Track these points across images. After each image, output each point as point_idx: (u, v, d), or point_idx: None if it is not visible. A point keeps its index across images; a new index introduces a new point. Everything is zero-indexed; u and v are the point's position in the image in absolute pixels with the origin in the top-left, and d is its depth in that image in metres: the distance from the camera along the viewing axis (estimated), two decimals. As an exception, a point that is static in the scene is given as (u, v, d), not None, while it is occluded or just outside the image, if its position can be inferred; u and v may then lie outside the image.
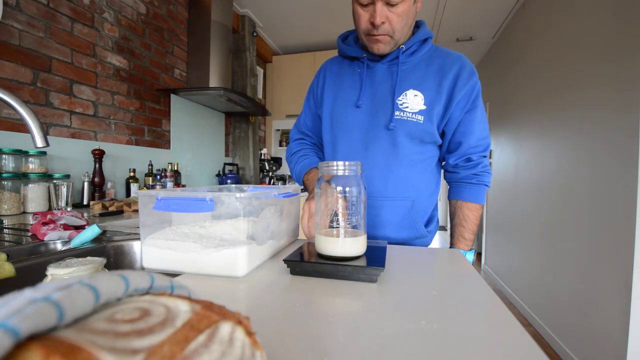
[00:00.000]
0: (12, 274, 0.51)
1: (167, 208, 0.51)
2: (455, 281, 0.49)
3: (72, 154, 1.50)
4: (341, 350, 0.29)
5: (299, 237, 0.79)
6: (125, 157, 1.80)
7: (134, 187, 1.73)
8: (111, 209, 1.25)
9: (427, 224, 0.89)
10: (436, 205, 0.93)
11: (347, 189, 0.54)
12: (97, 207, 1.26)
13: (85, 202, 1.47)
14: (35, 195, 1.21)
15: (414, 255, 0.64)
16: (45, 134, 0.69)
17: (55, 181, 1.17)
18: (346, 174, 0.54)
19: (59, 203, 1.15)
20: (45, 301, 0.13)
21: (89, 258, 0.49)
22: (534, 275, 2.34)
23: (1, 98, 0.65)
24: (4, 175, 1.11)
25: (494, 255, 3.33)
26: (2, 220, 0.99)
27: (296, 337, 0.31)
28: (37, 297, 0.13)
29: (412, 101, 0.80)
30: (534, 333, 2.23)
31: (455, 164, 0.86)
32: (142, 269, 0.55)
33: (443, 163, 0.92)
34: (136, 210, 1.26)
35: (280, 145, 3.62)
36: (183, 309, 0.18)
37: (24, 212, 1.19)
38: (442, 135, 0.85)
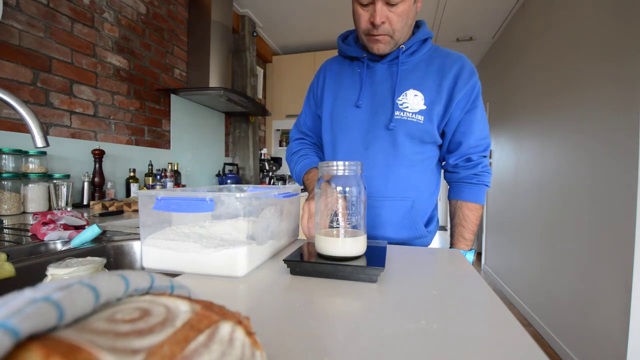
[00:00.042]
0: (12, 274, 0.51)
1: (167, 208, 0.51)
2: (455, 281, 0.49)
3: (72, 154, 1.50)
4: (341, 350, 0.29)
5: (299, 237, 0.79)
6: (125, 157, 1.80)
7: (134, 187, 1.73)
8: (111, 209, 1.25)
9: (427, 224, 0.89)
10: (436, 205, 0.93)
11: (347, 189, 0.54)
12: (97, 207, 1.26)
13: (85, 202, 1.47)
14: (35, 195, 1.21)
15: (414, 255, 0.64)
16: (45, 134, 0.69)
17: (55, 181, 1.17)
18: (346, 174, 0.54)
19: (59, 203, 1.15)
20: (45, 301, 0.13)
21: (89, 258, 0.49)
22: (534, 275, 2.34)
23: (1, 98, 0.65)
24: (4, 175, 1.11)
25: (494, 255, 3.33)
26: (2, 220, 0.99)
27: (296, 337, 0.31)
28: (37, 297, 0.13)
29: (412, 101, 0.80)
30: (534, 333, 2.23)
31: (455, 164, 0.86)
32: (142, 269, 0.55)
33: (443, 163, 0.92)
34: (136, 210, 1.26)
35: (280, 145, 3.62)
36: (183, 309, 0.18)
37: (24, 212, 1.19)
38: (442, 135, 0.85)
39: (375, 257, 0.53)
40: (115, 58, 1.75)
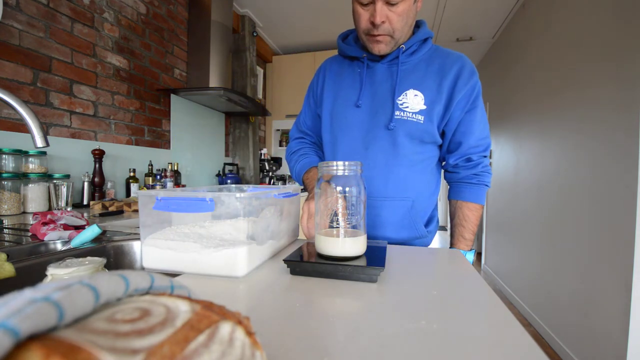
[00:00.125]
0: (12, 274, 0.51)
1: (167, 208, 0.51)
2: (455, 281, 0.49)
3: (72, 154, 1.50)
4: (341, 350, 0.29)
5: (299, 237, 0.79)
6: (125, 157, 1.80)
7: (134, 187, 1.73)
8: (111, 209, 1.25)
9: (427, 224, 0.89)
10: (436, 205, 0.93)
11: (347, 189, 0.54)
12: (97, 207, 1.26)
13: (85, 202, 1.47)
14: (35, 195, 1.21)
15: (414, 255, 0.64)
16: (45, 134, 0.69)
17: (55, 181, 1.17)
18: (346, 174, 0.54)
19: (59, 203, 1.15)
20: (45, 301, 0.13)
21: (89, 258, 0.49)
22: (534, 275, 2.34)
23: (1, 98, 0.65)
24: (4, 175, 1.11)
25: (494, 255, 3.33)
26: (2, 220, 0.99)
27: (296, 337, 0.31)
28: (37, 297, 0.13)
29: (412, 101, 0.80)
30: (534, 333, 2.23)
31: (456, 164, 0.86)
32: (142, 269, 0.55)
33: (443, 163, 0.92)
34: (136, 210, 1.26)
35: (280, 145, 3.62)
36: (183, 309, 0.18)
37: (24, 212, 1.19)
38: (442, 135, 0.85)
39: (375, 257, 0.53)
40: (115, 58, 1.75)
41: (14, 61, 1.29)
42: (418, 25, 0.86)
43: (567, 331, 1.88)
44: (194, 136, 2.44)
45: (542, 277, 2.21)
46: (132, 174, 1.75)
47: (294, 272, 0.51)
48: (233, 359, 0.16)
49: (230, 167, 2.84)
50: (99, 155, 1.52)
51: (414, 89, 0.80)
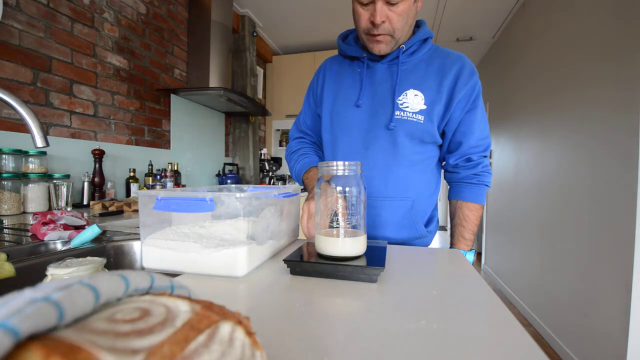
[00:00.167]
0: (12, 274, 0.51)
1: (167, 208, 0.51)
2: (455, 281, 0.49)
3: (72, 154, 1.50)
4: (341, 350, 0.29)
5: (299, 237, 0.79)
6: (125, 157, 1.80)
7: (134, 187, 1.73)
8: (111, 209, 1.25)
9: (427, 224, 0.89)
10: (436, 205, 0.93)
11: (347, 189, 0.54)
12: (97, 207, 1.26)
13: (85, 202, 1.47)
14: (35, 195, 1.21)
15: (414, 255, 0.64)
16: (45, 134, 0.69)
17: (55, 181, 1.17)
18: (346, 174, 0.54)
19: (59, 203, 1.15)
20: (45, 301, 0.13)
21: (89, 258, 0.49)
22: (534, 275, 2.34)
23: (1, 98, 0.65)
24: (4, 175, 1.11)
25: (494, 255, 3.33)
26: (2, 220, 0.99)
27: (296, 337, 0.31)
28: (37, 297, 0.13)
29: (413, 101, 0.80)
30: (534, 333, 2.23)
31: (456, 164, 0.86)
32: (142, 269, 0.55)
33: (443, 163, 0.92)
34: (136, 210, 1.26)
35: (280, 145, 3.62)
36: (183, 309, 0.18)
37: (24, 212, 1.19)
38: (442, 135, 0.85)
39: (375, 257, 0.53)
40: (115, 58, 1.75)
41: (14, 61, 1.29)
42: (418, 25, 0.86)
43: (567, 331, 1.88)
44: (194, 136, 2.44)
45: (542, 277, 2.21)
46: (132, 174, 1.75)
47: (294, 272, 0.51)
48: (233, 359, 0.16)
49: (230, 167, 2.84)
50: (99, 155, 1.52)
51: (414, 89, 0.80)
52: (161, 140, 2.11)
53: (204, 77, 2.29)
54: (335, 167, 0.54)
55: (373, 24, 0.75)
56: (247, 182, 2.99)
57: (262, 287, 0.45)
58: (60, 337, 0.13)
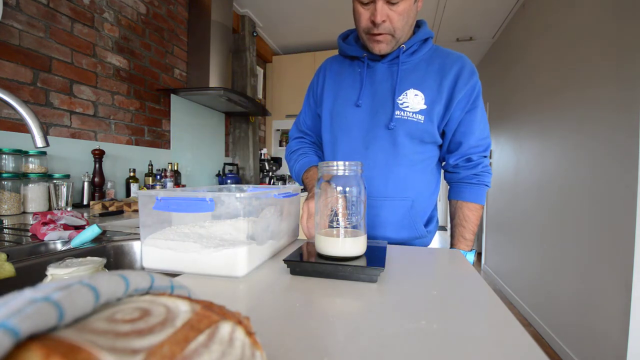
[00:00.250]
0: (12, 274, 0.51)
1: (167, 208, 0.51)
2: (455, 281, 0.49)
3: (72, 154, 1.50)
4: (341, 350, 0.29)
5: (299, 237, 0.79)
6: (125, 157, 1.80)
7: (134, 187, 1.73)
8: (111, 209, 1.25)
9: (426, 224, 0.89)
10: (436, 205, 0.93)
11: (347, 189, 0.54)
12: (97, 207, 1.26)
13: (85, 202, 1.47)
14: (35, 195, 1.21)
15: (414, 255, 0.64)
16: (45, 134, 0.69)
17: (55, 181, 1.17)
18: (346, 174, 0.54)
19: (59, 203, 1.15)
20: (45, 301, 0.13)
21: (89, 258, 0.49)
22: (534, 275, 2.34)
23: (1, 98, 0.65)
24: (4, 175, 1.11)
25: (494, 255, 3.33)
26: (2, 220, 0.99)
27: (296, 337, 0.31)
28: (37, 297, 0.13)
29: (413, 101, 0.80)
30: (534, 333, 2.23)
31: (456, 164, 0.86)
32: (142, 269, 0.55)
33: (443, 163, 0.92)
34: (136, 210, 1.26)
35: (280, 145, 3.62)
36: (183, 309, 0.18)
37: (24, 212, 1.19)
38: (442, 135, 0.85)
39: (375, 257, 0.53)
40: (115, 58, 1.75)
41: (14, 61, 1.29)
42: (418, 25, 0.86)
43: (567, 331, 1.88)
44: (194, 136, 2.44)
45: (542, 277, 2.21)
46: (132, 174, 1.75)
47: (294, 272, 0.51)
48: (233, 359, 0.16)
49: (230, 167, 2.84)
50: (99, 155, 1.52)
51: (414, 89, 0.80)
52: (161, 140, 2.11)
53: (204, 77, 2.29)
54: (335, 167, 0.54)
55: (373, 23, 0.75)
56: (247, 182, 2.99)
57: (262, 287, 0.45)
58: (60, 337, 0.13)
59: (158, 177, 1.91)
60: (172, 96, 2.19)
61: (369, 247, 0.58)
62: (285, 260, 0.51)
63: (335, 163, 0.54)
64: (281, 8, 2.83)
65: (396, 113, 0.80)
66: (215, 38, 2.30)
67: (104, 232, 0.81)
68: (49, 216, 0.78)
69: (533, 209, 2.38)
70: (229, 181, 2.61)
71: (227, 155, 2.96)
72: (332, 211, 0.54)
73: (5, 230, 0.84)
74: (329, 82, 0.92)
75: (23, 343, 0.12)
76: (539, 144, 2.33)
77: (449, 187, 0.91)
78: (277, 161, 3.31)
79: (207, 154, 2.63)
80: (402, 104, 0.80)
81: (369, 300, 0.41)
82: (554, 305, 2.04)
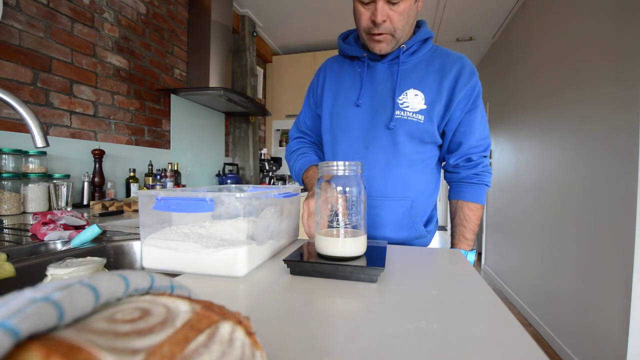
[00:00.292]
0: (12, 274, 0.51)
1: (167, 208, 0.51)
2: (455, 281, 0.49)
3: (72, 154, 1.50)
4: (341, 350, 0.29)
5: (299, 237, 0.79)
6: (125, 157, 1.80)
7: (134, 187, 1.73)
8: (111, 209, 1.25)
9: (426, 224, 0.89)
10: (435, 205, 0.93)
11: (347, 189, 0.54)
12: (97, 207, 1.26)
13: (85, 202, 1.47)
14: (35, 195, 1.21)
15: (414, 255, 0.64)
16: (45, 134, 0.69)
17: (55, 181, 1.17)
18: (346, 174, 0.54)
19: (59, 203, 1.15)
20: (45, 301, 0.13)
21: (89, 258, 0.49)
22: (534, 275, 2.34)
23: (1, 98, 0.65)
24: (4, 175, 1.11)
25: (494, 255, 3.33)
26: (2, 220, 0.99)
27: (296, 337, 0.31)
28: (37, 297, 0.13)
29: (413, 101, 0.80)
30: (534, 333, 2.23)
31: (456, 164, 0.86)
32: (142, 269, 0.55)
33: (443, 163, 0.92)
34: (136, 210, 1.26)
35: (280, 145, 3.62)
36: (183, 309, 0.18)
37: (24, 212, 1.19)
38: (442, 135, 0.85)
39: (375, 257, 0.53)
40: (115, 58, 1.75)
41: (14, 61, 1.29)
42: (419, 25, 0.86)
43: (567, 331, 1.88)
44: (194, 136, 2.44)
45: (542, 277, 2.21)
46: (132, 174, 1.75)
47: (294, 272, 0.51)
48: (233, 359, 0.16)
49: (230, 167, 2.84)
50: (99, 155, 1.52)
51: (414, 89, 0.80)
52: (161, 140, 2.11)
53: (204, 77, 2.29)
54: (335, 167, 0.54)
55: (374, 23, 0.75)
56: (247, 182, 2.99)
57: (262, 287, 0.45)
58: (60, 337, 0.13)
59: (158, 177, 1.91)
60: (172, 96, 2.19)
61: (369, 247, 0.58)
62: (285, 260, 0.51)
63: (335, 163, 0.54)
64: (281, 8, 2.83)
65: (396, 113, 0.80)
66: (215, 38, 2.30)
67: (104, 232, 0.81)
68: (49, 216, 0.78)
69: (533, 209, 2.38)
70: (229, 181, 2.61)
71: (227, 155, 2.96)
72: (332, 211, 0.54)
73: (5, 230, 0.84)
74: (329, 82, 0.92)
75: (23, 343, 0.12)
76: (539, 144, 2.33)
77: (449, 187, 0.91)
78: (277, 161, 3.31)
79: (207, 154, 2.63)
80: (402, 104, 0.80)
81: (369, 300, 0.41)
82: (554, 305, 2.04)
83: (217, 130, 2.77)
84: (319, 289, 0.45)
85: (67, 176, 1.34)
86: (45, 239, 0.71)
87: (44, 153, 1.28)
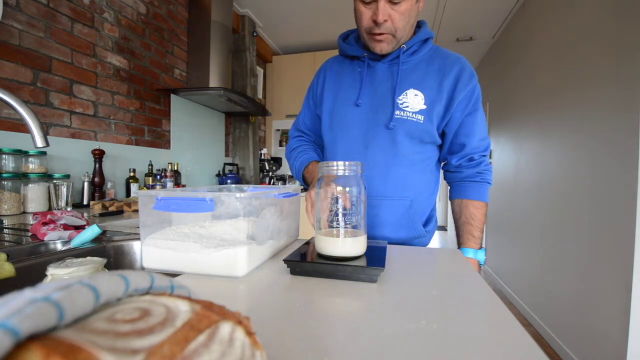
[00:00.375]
0: (12, 274, 0.51)
1: (167, 208, 0.51)
2: (455, 281, 0.49)
3: (72, 154, 1.50)
4: (341, 350, 0.29)
5: (299, 237, 0.79)
6: (125, 157, 1.80)
7: (134, 187, 1.73)
8: (111, 209, 1.25)
9: (425, 224, 0.89)
10: (435, 205, 0.93)
11: (347, 189, 0.54)
12: (97, 207, 1.26)
13: (85, 202, 1.47)
14: (35, 195, 1.21)
15: (414, 255, 0.64)
16: (45, 134, 0.69)
17: (55, 181, 1.17)
18: (346, 174, 0.54)
19: (59, 203, 1.15)
20: (45, 301, 0.13)
21: (89, 258, 0.49)
22: (534, 275, 2.34)
23: (1, 98, 0.65)
24: (4, 175, 1.11)
25: (494, 255, 3.33)
26: (2, 220, 0.99)
27: (296, 337, 0.31)
28: (37, 297, 0.13)
29: (413, 101, 0.80)
30: (534, 333, 2.23)
31: (459, 164, 0.86)
32: (142, 269, 0.55)
33: (444, 164, 0.92)
34: (136, 210, 1.26)
35: (280, 145, 3.62)
36: (183, 309, 0.18)
37: (24, 212, 1.19)
38: (442, 135, 0.85)
39: (375, 257, 0.53)
40: (115, 58, 1.75)
41: (14, 61, 1.29)
42: (419, 25, 0.86)
43: (567, 331, 1.88)
44: (194, 136, 2.44)
45: (542, 277, 2.21)
46: (132, 174, 1.75)
47: (294, 272, 0.51)
48: (233, 359, 0.16)
49: (230, 167, 2.84)
50: (99, 155, 1.52)
51: (414, 89, 0.81)
52: (161, 140, 2.11)
53: (204, 77, 2.29)
54: (335, 167, 0.54)
55: (375, 22, 0.75)
56: (247, 182, 2.99)
57: (262, 287, 0.45)
58: (60, 337, 0.13)
59: (158, 177, 1.91)
60: (172, 96, 2.19)
61: (369, 247, 0.58)
62: (285, 260, 0.51)
63: (335, 163, 0.54)
64: (281, 8, 2.83)
65: (396, 113, 0.80)
66: (215, 38, 2.30)
67: (104, 232, 0.81)
68: (49, 216, 0.78)
69: (533, 209, 2.38)
70: (229, 181, 2.61)
71: (227, 155, 2.96)
72: (332, 211, 0.54)
73: (5, 230, 0.84)
74: (329, 82, 0.92)
75: (23, 343, 0.12)
76: (539, 144, 2.33)
77: (450, 187, 0.91)
78: (277, 161, 3.31)
79: (207, 154, 2.63)
80: (402, 104, 0.80)
81: (369, 300, 0.41)
82: (554, 305, 2.04)
83: (217, 130, 2.77)
84: (319, 289, 0.45)
85: (67, 176, 1.34)
86: (45, 239, 0.71)
87: (44, 153, 1.28)
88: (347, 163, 0.54)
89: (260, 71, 3.25)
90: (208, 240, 0.52)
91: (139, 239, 0.75)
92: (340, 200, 0.53)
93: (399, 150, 0.82)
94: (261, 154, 3.20)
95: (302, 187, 0.98)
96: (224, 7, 2.38)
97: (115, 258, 0.73)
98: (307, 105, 1.00)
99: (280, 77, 3.54)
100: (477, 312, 0.38)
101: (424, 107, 0.80)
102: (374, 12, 0.74)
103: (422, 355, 0.28)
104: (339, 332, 0.32)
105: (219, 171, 2.78)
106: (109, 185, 1.59)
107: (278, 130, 3.62)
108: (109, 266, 0.71)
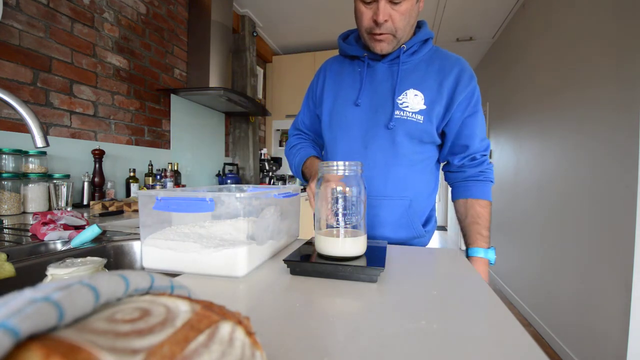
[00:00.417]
0: (12, 274, 0.51)
1: (167, 208, 0.51)
2: (455, 281, 0.49)
3: (72, 154, 1.50)
4: (341, 350, 0.29)
5: (299, 237, 0.79)
6: (125, 157, 1.80)
7: (134, 187, 1.73)
8: (111, 209, 1.25)
9: (425, 224, 0.89)
10: (434, 205, 0.93)
11: (347, 189, 0.54)
12: (97, 207, 1.26)
13: (85, 202, 1.47)
14: (35, 195, 1.21)
15: (414, 255, 0.64)
16: (45, 134, 0.69)
17: (55, 181, 1.17)
18: (346, 174, 0.54)
19: (59, 203, 1.15)
20: (45, 301, 0.13)
21: (89, 258, 0.49)
22: (534, 275, 2.34)
23: (1, 98, 0.65)
24: (4, 175, 1.11)
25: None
26: (2, 220, 0.99)
27: (296, 337, 0.31)
28: (37, 297, 0.13)
29: (413, 101, 0.80)
30: (534, 333, 2.23)
31: (461, 164, 0.86)
32: (142, 269, 0.55)
33: (445, 164, 0.92)
34: (136, 210, 1.26)
35: (280, 145, 3.62)
36: (183, 309, 0.18)
37: (24, 212, 1.19)
38: (442, 135, 0.85)
39: (375, 257, 0.53)
40: (115, 58, 1.75)
41: (14, 61, 1.29)
42: (419, 25, 0.86)
43: (567, 331, 1.88)
44: (194, 136, 2.44)
45: (542, 277, 2.21)
46: (132, 174, 1.75)
47: (294, 272, 0.51)
48: (233, 359, 0.16)
49: (230, 167, 2.84)
50: (99, 155, 1.52)
51: (414, 89, 0.81)
52: (161, 140, 2.11)
53: (204, 77, 2.29)
54: (335, 167, 0.54)
55: (376, 22, 0.75)
56: (247, 182, 2.99)
57: (262, 287, 0.45)
58: (60, 337, 0.13)
59: (158, 177, 1.91)
60: (172, 96, 2.19)
61: (369, 247, 0.58)
62: (285, 260, 0.51)
63: (335, 163, 0.54)
64: (281, 8, 2.83)
65: (396, 113, 0.80)
66: (215, 38, 2.30)
67: (104, 232, 0.81)
68: (49, 216, 0.78)
69: (533, 209, 2.38)
70: (229, 181, 2.61)
71: (227, 155, 2.96)
72: (332, 211, 0.54)
73: (5, 230, 0.84)
74: (329, 82, 0.92)
75: (23, 343, 0.12)
76: (539, 144, 2.33)
77: (452, 187, 0.91)
78: (277, 161, 3.31)
79: (207, 154, 2.63)
80: (401, 104, 0.80)
81: (369, 300, 0.41)
82: (554, 305, 2.04)
83: (217, 130, 2.77)
84: (319, 289, 0.45)
85: (67, 176, 1.34)
86: (45, 239, 0.71)
87: (44, 153, 1.28)
88: (347, 163, 0.54)
89: (260, 71, 3.25)
90: (208, 240, 0.52)
91: (139, 239, 0.75)
92: (340, 200, 0.53)
93: (399, 150, 0.82)
94: (261, 154, 3.20)
95: (302, 187, 0.98)
96: (224, 7, 2.38)
97: (115, 258, 0.73)
98: (306, 105, 1.00)
99: (280, 77, 3.54)
100: (477, 312, 0.38)
101: (424, 107, 0.80)
102: (375, 12, 0.74)
103: (422, 355, 0.28)
104: (339, 332, 0.32)
105: (219, 171, 2.78)
106: (109, 185, 1.59)
107: (278, 130, 3.62)
108: (109, 266, 0.71)
